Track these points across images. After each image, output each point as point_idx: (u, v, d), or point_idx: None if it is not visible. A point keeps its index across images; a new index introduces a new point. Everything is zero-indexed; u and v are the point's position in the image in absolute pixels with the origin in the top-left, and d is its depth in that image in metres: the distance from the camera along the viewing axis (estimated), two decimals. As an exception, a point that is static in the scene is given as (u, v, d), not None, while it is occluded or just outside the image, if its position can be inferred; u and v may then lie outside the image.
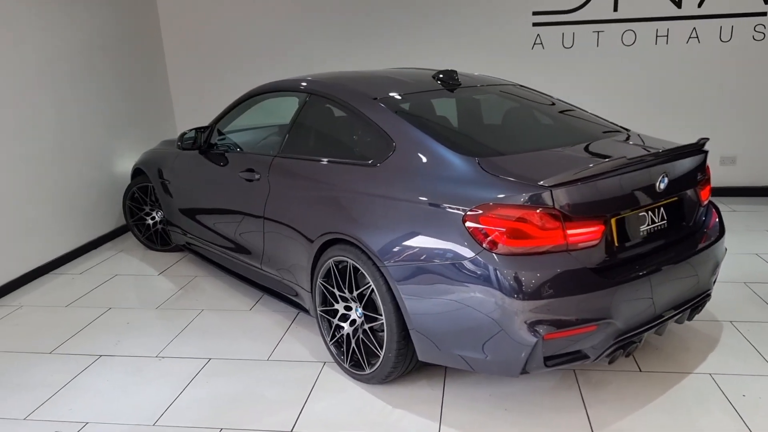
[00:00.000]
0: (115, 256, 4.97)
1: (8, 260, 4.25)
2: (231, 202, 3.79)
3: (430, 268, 2.47)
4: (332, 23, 6.13)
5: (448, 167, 2.59)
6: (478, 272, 2.33)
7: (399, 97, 3.11)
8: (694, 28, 5.67)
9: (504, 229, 2.29)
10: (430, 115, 3.15)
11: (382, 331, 2.70)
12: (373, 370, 2.80)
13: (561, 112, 3.42)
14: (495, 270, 2.30)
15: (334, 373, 3.01)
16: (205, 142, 4.09)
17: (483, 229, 2.33)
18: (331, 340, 3.04)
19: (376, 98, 3.05)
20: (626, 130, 3.22)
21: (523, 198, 2.31)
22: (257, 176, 3.46)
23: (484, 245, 2.32)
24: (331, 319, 3.03)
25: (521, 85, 3.73)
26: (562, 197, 2.32)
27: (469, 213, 2.36)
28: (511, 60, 5.98)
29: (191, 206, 4.29)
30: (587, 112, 3.49)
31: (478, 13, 5.92)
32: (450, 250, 2.41)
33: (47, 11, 4.62)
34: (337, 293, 2.96)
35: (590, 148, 2.81)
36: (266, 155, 3.52)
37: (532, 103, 3.45)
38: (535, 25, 5.91)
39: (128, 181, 5.58)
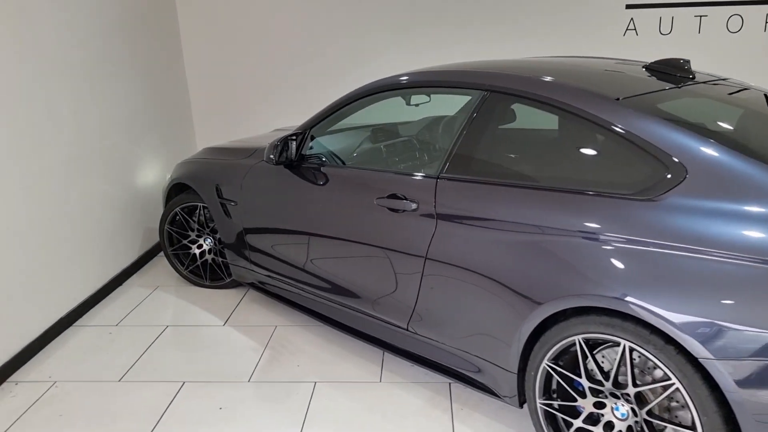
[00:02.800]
0: (152, 296, 3.87)
1: (25, 316, 3.12)
2: (350, 235, 2.81)
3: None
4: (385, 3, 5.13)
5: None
6: None
7: (653, 99, 2.20)
8: (812, 12, 4.99)
9: None
10: (711, 125, 2.23)
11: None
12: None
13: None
14: None
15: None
16: (297, 154, 3.08)
17: None
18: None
19: (618, 99, 2.14)
20: None
21: None
22: (413, 206, 2.49)
23: None
24: (569, 419, 2.11)
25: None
26: None
27: None
28: (599, 47, 5.13)
29: (272, 236, 3.27)
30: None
31: (562, -8, 5.06)
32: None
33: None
34: (586, 384, 2.04)
35: None
36: (420, 176, 2.56)
37: None
38: (629, 7, 5.10)
39: (151, 196, 4.47)
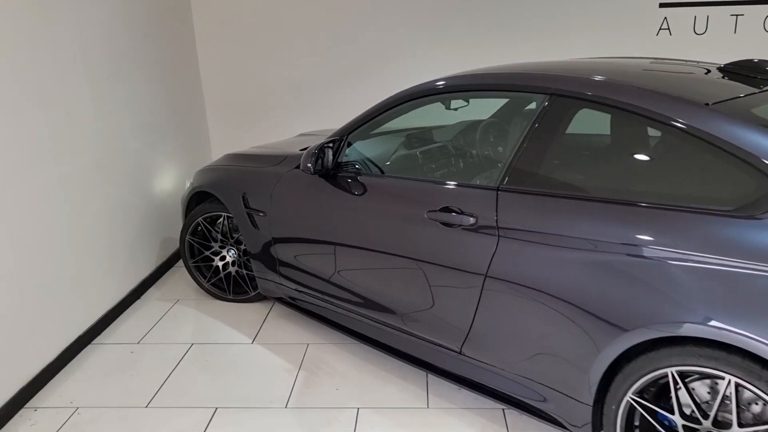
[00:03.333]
0: (173, 310, 3.67)
1: (41, 336, 2.92)
2: (397, 250, 2.61)
3: None
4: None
5: None
6: None
7: (743, 104, 2.01)
8: None
9: None
10: None
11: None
12: None
13: None
14: None
15: None
16: (333, 162, 2.88)
17: None
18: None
19: (708, 104, 1.94)
20: None
21: None
22: (471, 220, 2.29)
23: None
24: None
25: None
26: None
27: None
28: (631, 47, 4.94)
29: (306, 249, 3.07)
30: None
31: (592, -10, 4.87)
32: None
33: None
34: (679, 422, 1.85)
35: None
36: (477, 188, 2.36)
37: None
38: (662, 6, 4.91)
39: (169, 203, 4.27)
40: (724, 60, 2.64)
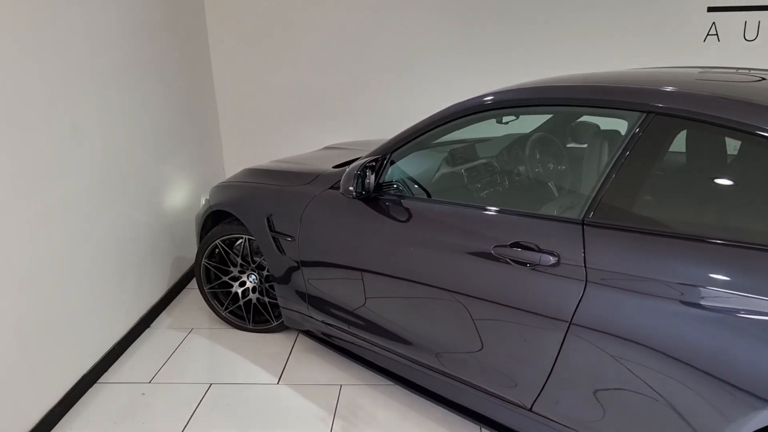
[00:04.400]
0: (187, 341, 3.31)
1: (43, 377, 2.56)
2: (452, 287, 2.26)
3: None
4: (433, 8, 4.59)
5: None
6: None
7: None
8: None
9: None
10: None
11: None
12: None
13: None
14: None
15: None
16: (375, 184, 2.54)
17: None
18: None
19: None
20: None
21: None
22: (551, 259, 1.94)
23: None
24: None
25: None
26: None
27: None
28: (676, 54, 4.63)
29: (342, 281, 2.72)
30: None
31: (635, -8, 4.54)
32: None
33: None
34: None
35: None
36: (557, 221, 2.01)
37: None
38: (711, 10, 4.57)
39: (180, 221, 3.93)
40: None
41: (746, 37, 4.60)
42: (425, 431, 2.53)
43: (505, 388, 2.19)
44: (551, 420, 2.07)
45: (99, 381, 2.95)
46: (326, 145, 4.11)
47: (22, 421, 2.41)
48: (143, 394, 2.84)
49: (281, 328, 3.32)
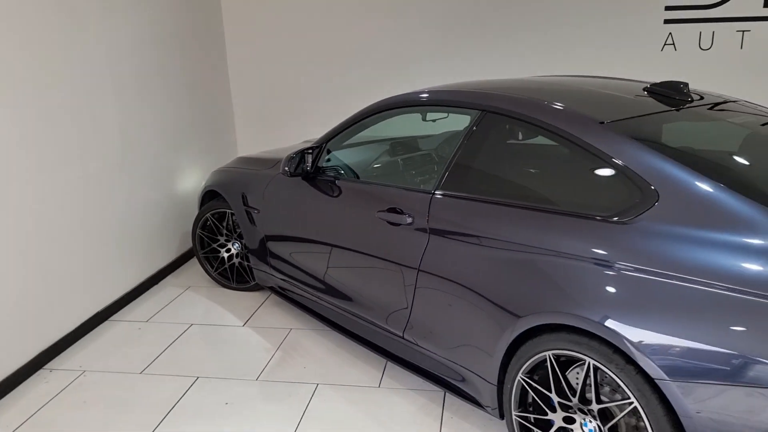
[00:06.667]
0: (183, 296, 4.12)
1: (65, 309, 3.41)
2: (356, 245, 2.94)
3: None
4: (431, 15, 5.24)
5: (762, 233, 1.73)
6: None
7: (638, 122, 2.24)
8: None
9: None
10: (695, 149, 2.26)
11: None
12: None
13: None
14: None
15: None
16: (312, 167, 3.24)
17: None
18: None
19: (603, 122, 2.18)
20: None
21: None
22: (408, 219, 2.60)
23: None
24: (537, 430, 2.17)
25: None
26: None
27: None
28: (635, 62, 5.08)
29: (290, 244, 3.44)
30: None
31: (597, 4, 5.02)
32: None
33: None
34: (555, 399, 2.10)
35: None
36: (416, 191, 2.67)
37: None
38: (667, 22, 5.01)
39: (190, 201, 4.75)
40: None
41: (701, 47, 5.01)
42: (344, 362, 3.20)
43: (389, 322, 2.84)
44: (413, 343, 2.72)
45: (110, 318, 3.79)
46: (305, 139, 4.84)
47: (43, 338, 3.26)
48: (139, 329, 3.66)
49: (257, 287, 4.07)
